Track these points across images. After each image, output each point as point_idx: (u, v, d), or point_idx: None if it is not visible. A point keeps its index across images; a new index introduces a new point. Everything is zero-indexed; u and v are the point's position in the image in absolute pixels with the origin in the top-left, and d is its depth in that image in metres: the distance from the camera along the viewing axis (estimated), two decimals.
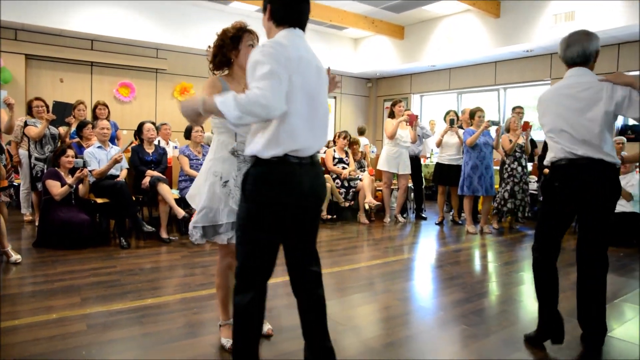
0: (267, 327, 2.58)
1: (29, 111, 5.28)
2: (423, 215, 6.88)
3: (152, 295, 3.22)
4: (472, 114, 5.99)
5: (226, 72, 2.36)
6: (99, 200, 4.66)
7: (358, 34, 10.16)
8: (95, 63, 8.27)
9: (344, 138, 6.63)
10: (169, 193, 4.81)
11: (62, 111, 5.39)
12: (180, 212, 4.72)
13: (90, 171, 4.65)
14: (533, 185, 6.76)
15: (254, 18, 8.84)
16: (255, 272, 1.85)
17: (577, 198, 2.45)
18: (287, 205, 1.81)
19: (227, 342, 2.39)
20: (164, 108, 9.03)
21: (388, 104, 11.65)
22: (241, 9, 8.43)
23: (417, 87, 11.03)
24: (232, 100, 1.60)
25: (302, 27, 1.89)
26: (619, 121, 7.86)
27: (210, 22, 8.59)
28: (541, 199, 3.95)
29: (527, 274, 4.20)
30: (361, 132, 9.11)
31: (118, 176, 4.85)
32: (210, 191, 2.24)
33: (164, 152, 5.28)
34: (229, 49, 2.28)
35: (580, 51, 2.48)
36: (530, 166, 6.87)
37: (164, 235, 4.83)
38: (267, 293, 1.89)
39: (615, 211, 5.07)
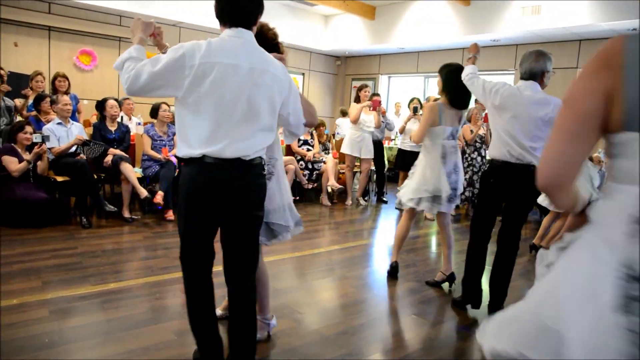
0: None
1: None
2: (384, 199, 7.08)
3: (115, 279, 3.26)
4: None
5: None
6: (59, 179, 4.58)
7: (329, 11, 10.06)
8: (53, 28, 7.89)
9: None
10: (131, 172, 4.77)
11: (18, 82, 5.20)
12: (143, 192, 4.71)
13: (49, 149, 4.54)
14: None
15: None
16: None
17: (507, 195, 2.91)
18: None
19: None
20: None
21: (356, 83, 11.69)
22: None
23: (385, 68, 11.10)
24: (126, 56, 1.84)
25: (247, 26, 1.91)
26: None
27: None
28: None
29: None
30: (344, 113, 9.14)
31: (78, 153, 4.76)
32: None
33: (127, 130, 5.20)
34: None
35: (527, 68, 2.80)
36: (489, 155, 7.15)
37: (126, 214, 4.82)
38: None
39: None
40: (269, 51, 2.03)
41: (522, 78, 2.87)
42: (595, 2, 6.73)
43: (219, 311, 2.57)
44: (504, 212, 3.02)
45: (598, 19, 6.75)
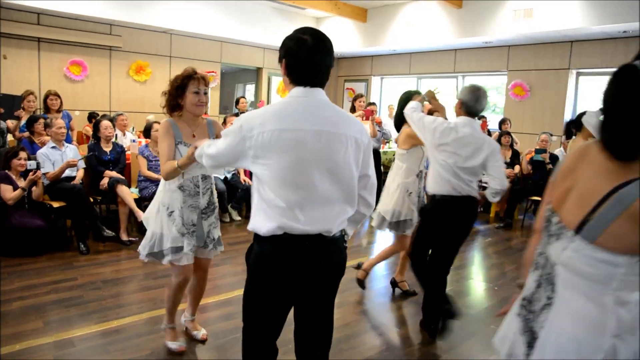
0: (202, 333, 3.00)
1: None
2: None
3: (117, 316, 3.26)
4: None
5: (180, 114, 2.66)
6: (55, 204, 4.55)
7: (320, 13, 9.99)
8: (42, 39, 7.78)
9: None
10: (128, 195, 4.75)
11: (11, 104, 5.14)
12: (141, 215, 4.68)
13: (44, 174, 4.50)
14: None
15: None
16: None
17: (447, 226, 3.04)
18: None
19: (173, 344, 2.83)
20: (119, 87, 8.68)
21: (349, 85, 11.68)
22: None
23: (377, 69, 11.08)
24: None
25: (318, 84, 1.70)
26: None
27: None
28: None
29: (474, 281, 4.51)
30: None
31: (74, 177, 4.72)
32: (157, 219, 2.66)
33: (122, 150, 5.15)
34: (177, 94, 2.60)
35: (469, 106, 2.97)
36: None
37: (124, 237, 4.80)
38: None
39: None
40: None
41: (470, 114, 2.98)
42: (587, 5, 6.74)
43: None
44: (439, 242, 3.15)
45: (590, 22, 6.77)
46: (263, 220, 1.66)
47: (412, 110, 3.19)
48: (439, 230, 3.07)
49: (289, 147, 1.60)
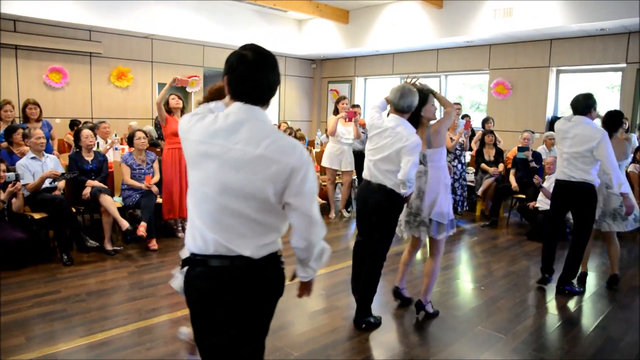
0: None
1: None
2: None
3: (102, 328, 3.21)
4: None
5: None
6: (36, 215, 4.46)
7: (302, 16, 9.99)
8: (20, 46, 7.64)
9: (289, 134, 6.65)
10: (112, 204, 4.68)
11: None
12: (125, 224, 4.63)
13: (24, 185, 4.42)
14: (470, 176, 7.16)
15: None
16: None
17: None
18: None
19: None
20: (100, 94, 8.57)
21: (333, 86, 11.69)
22: None
23: (361, 70, 11.11)
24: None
25: (259, 101, 1.59)
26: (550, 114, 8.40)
27: (146, 3, 8.15)
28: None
29: (461, 281, 4.53)
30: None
31: (56, 188, 4.64)
32: None
33: (104, 159, 5.08)
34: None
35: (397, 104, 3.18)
36: (468, 156, 7.25)
37: (108, 247, 4.73)
38: None
39: (541, 209, 5.69)
40: None
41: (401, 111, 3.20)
42: (566, 4, 6.84)
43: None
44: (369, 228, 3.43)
45: (568, 21, 6.87)
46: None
47: (372, 106, 3.46)
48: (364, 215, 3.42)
49: (202, 161, 1.54)
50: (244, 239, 1.54)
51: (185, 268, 1.62)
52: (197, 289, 1.58)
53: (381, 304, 3.74)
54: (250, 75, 1.55)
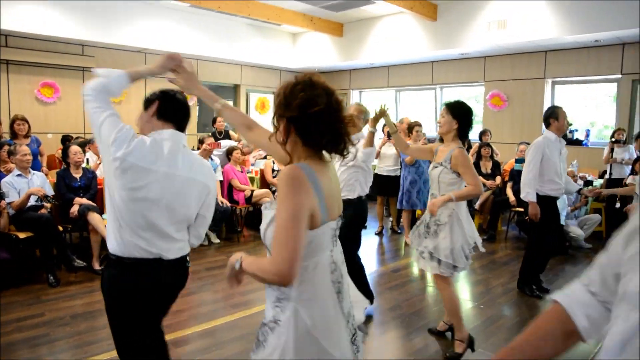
0: None
1: None
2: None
3: (86, 354, 3.07)
4: (410, 128, 6.11)
5: None
6: (21, 235, 4.33)
7: (296, 29, 9.96)
8: (11, 61, 7.56)
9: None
10: (100, 223, 4.55)
11: None
12: None
13: (8, 204, 4.30)
14: None
15: (187, 12, 8.49)
16: None
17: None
18: None
19: None
20: None
21: None
22: (171, 3, 8.00)
23: (356, 82, 11.07)
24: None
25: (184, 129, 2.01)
26: None
27: (139, 17, 8.11)
28: None
29: (460, 300, 4.41)
30: None
31: (42, 206, 4.52)
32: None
33: (93, 176, 4.97)
34: None
35: None
36: None
37: (96, 266, 4.60)
38: None
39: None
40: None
41: None
42: (560, 16, 6.81)
43: None
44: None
45: (563, 32, 6.84)
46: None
47: None
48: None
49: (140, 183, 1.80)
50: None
51: None
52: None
53: (375, 324, 3.61)
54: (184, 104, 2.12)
